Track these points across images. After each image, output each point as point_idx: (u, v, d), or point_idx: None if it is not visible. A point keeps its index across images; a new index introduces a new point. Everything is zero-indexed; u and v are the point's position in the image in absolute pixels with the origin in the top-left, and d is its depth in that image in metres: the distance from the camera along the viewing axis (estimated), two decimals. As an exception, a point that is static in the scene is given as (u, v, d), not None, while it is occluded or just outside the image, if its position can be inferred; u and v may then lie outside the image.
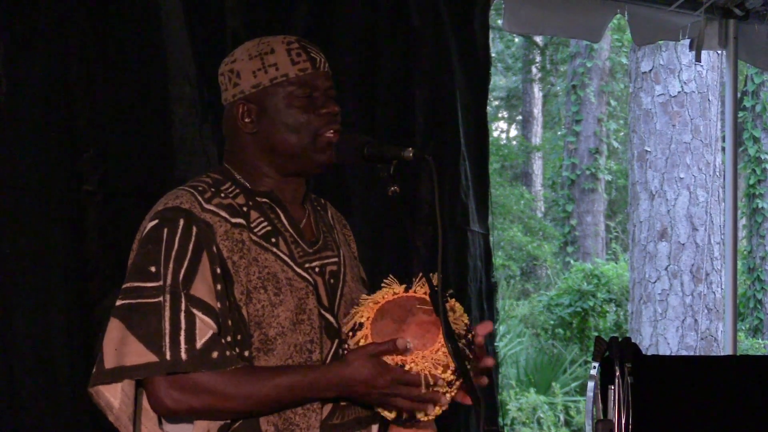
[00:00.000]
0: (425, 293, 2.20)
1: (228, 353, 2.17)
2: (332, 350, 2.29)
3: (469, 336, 2.20)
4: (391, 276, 2.29)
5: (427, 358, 2.12)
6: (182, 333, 2.15)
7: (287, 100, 2.31)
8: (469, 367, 2.15)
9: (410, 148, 2.24)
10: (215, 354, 2.16)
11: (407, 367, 2.12)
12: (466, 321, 2.21)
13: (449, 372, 2.13)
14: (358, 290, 2.40)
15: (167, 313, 2.16)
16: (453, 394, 2.16)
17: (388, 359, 2.13)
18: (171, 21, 4.06)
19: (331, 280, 2.35)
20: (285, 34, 2.40)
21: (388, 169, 2.25)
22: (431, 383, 2.12)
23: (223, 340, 2.18)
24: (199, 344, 2.15)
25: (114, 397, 2.19)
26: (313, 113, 2.31)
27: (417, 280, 2.23)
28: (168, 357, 2.14)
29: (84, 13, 3.88)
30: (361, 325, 2.18)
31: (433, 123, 4.87)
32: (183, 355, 2.14)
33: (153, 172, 3.97)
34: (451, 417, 2.18)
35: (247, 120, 2.34)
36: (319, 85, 2.33)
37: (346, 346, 2.21)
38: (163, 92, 4.04)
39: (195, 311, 2.17)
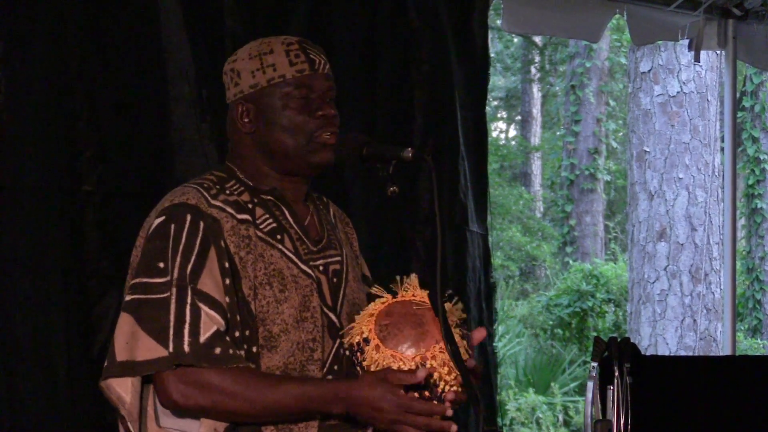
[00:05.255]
0: (413, 295, 2.21)
1: (231, 351, 2.17)
2: (333, 349, 2.29)
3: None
4: (376, 286, 2.30)
5: (444, 349, 2.13)
6: (186, 326, 2.16)
7: (283, 100, 2.31)
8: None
9: (409, 149, 2.24)
10: (218, 350, 2.16)
11: (428, 364, 2.12)
12: (462, 316, 2.22)
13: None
14: (359, 290, 2.41)
15: (173, 307, 2.17)
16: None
17: (410, 358, 2.13)
18: (170, 21, 4.06)
19: (334, 279, 2.35)
20: (286, 35, 2.40)
21: (387, 169, 2.25)
22: (441, 385, 2.12)
23: (227, 337, 2.19)
24: (202, 338, 2.16)
25: (125, 392, 2.20)
26: (309, 115, 2.31)
27: (399, 284, 2.24)
28: (171, 349, 2.15)
29: (83, 13, 3.88)
30: (366, 340, 2.17)
31: (432, 123, 4.87)
32: (186, 348, 2.15)
33: (152, 172, 3.97)
34: (450, 417, 2.17)
35: (246, 120, 2.34)
36: (316, 86, 2.33)
37: (355, 361, 2.20)
38: (162, 92, 4.04)
39: (201, 305, 2.18)
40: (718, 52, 6.74)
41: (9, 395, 3.66)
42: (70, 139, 3.83)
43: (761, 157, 12.76)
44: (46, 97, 3.80)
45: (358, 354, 2.17)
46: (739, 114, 12.42)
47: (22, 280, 3.73)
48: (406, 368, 2.13)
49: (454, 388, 2.14)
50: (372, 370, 2.16)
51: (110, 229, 3.85)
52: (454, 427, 2.14)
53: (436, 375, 2.13)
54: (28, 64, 3.77)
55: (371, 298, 2.30)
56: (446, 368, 2.13)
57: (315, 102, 2.32)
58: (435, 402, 2.14)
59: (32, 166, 3.76)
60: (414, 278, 2.24)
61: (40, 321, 3.73)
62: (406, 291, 2.22)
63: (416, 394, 2.12)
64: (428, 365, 2.12)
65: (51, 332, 3.74)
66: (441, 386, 2.13)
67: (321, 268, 2.33)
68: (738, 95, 9.92)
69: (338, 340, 2.29)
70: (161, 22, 4.04)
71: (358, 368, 2.19)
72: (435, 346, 2.13)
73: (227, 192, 2.31)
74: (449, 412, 2.14)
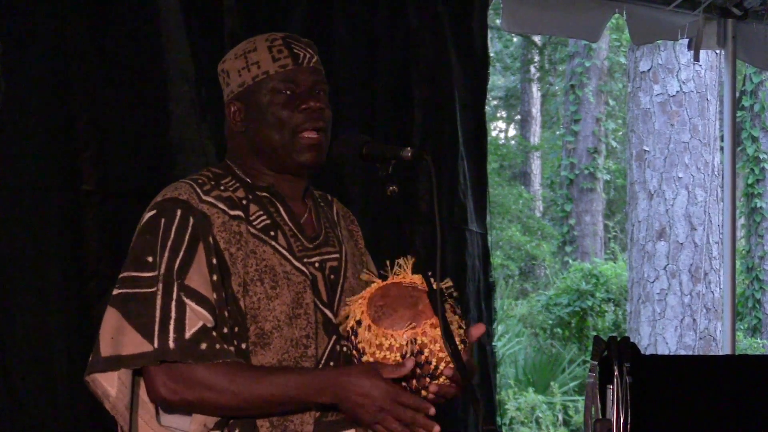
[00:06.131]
0: (403, 277, 2.21)
1: (217, 346, 2.17)
2: (329, 346, 2.29)
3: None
4: (365, 271, 2.31)
5: (436, 325, 2.13)
6: (172, 322, 2.16)
7: (269, 97, 2.31)
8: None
9: (409, 148, 2.24)
10: (204, 345, 2.16)
11: (419, 340, 2.11)
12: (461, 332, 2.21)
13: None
14: (359, 287, 2.39)
15: (159, 302, 2.18)
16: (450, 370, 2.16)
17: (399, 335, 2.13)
18: (169, 20, 4.06)
19: (331, 276, 2.35)
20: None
21: (387, 168, 2.25)
22: (440, 371, 2.12)
23: (214, 333, 2.18)
24: (188, 334, 2.16)
25: (111, 385, 2.20)
26: (294, 110, 2.30)
27: (390, 269, 2.24)
28: (156, 345, 2.15)
29: (83, 13, 3.88)
30: (359, 322, 2.17)
31: (432, 123, 4.87)
32: (171, 344, 2.15)
33: (152, 172, 3.97)
34: (450, 417, 2.17)
35: (238, 119, 2.35)
36: (301, 80, 2.32)
37: (348, 344, 2.20)
38: (162, 92, 4.04)
39: (187, 301, 2.18)
40: (718, 51, 6.75)
41: (8, 395, 3.66)
42: (70, 139, 3.83)
43: (761, 157, 12.76)
44: (46, 97, 3.80)
45: (353, 338, 2.17)
46: (739, 113, 12.42)
47: (21, 279, 3.73)
48: (396, 345, 2.12)
49: (450, 365, 2.13)
50: (365, 350, 2.14)
51: (110, 229, 3.85)
52: (437, 428, 2.12)
53: (427, 351, 2.12)
54: (29, 64, 3.77)
55: (365, 284, 2.29)
56: (438, 345, 2.12)
57: (300, 96, 2.31)
58: (428, 379, 2.14)
59: (32, 165, 3.76)
60: (407, 261, 2.24)
61: (38, 321, 3.73)
62: (397, 275, 2.23)
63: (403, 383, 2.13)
64: (419, 341, 2.11)
65: (50, 332, 3.74)
66: (434, 363, 2.13)
67: (317, 265, 2.32)
68: (737, 95, 9.93)
69: (334, 337, 2.29)
70: (161, 22, 4.04)
71: (354, 352, 2.18)
72: (426, 322, 2.13)
73: (221, 188, 2.31)
74: (432, 411, 2.12)
